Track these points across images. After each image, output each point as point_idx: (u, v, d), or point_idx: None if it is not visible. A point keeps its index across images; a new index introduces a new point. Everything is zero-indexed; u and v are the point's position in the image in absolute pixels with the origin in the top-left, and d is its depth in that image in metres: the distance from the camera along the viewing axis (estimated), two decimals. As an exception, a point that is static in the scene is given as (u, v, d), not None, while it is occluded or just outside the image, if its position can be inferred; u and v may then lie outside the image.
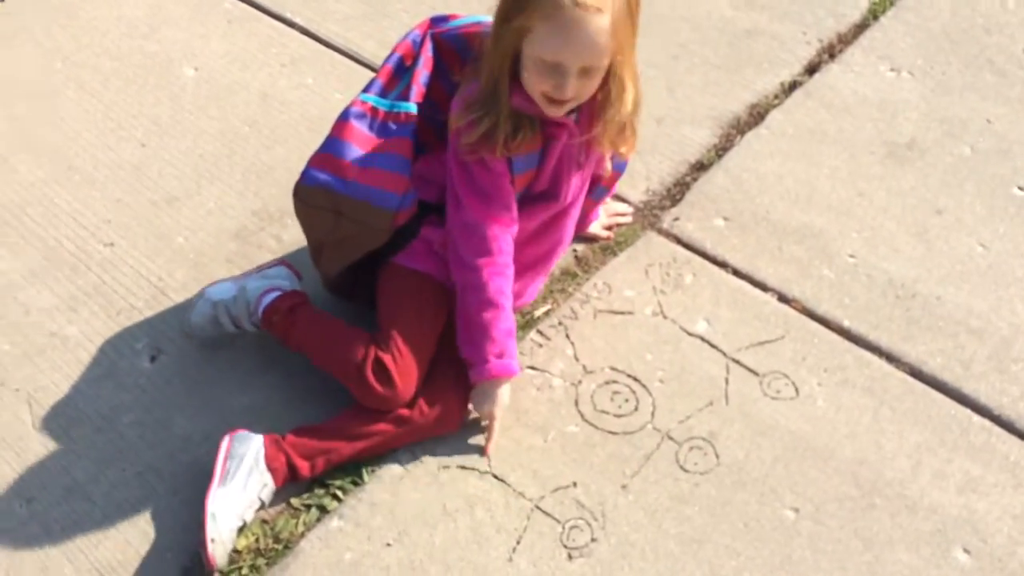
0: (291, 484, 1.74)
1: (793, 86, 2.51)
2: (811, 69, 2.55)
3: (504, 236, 1.73)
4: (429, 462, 1.77)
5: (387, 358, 1.74)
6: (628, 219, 2.19)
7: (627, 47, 1.62)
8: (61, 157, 2.35)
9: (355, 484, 1.74)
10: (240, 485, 1.67)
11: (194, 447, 1.81)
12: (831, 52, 2.60)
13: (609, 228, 2.17)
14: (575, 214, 1.91)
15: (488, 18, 1.79)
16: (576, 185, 1.83)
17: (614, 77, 1.64)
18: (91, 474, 1.78)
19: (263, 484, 1.69)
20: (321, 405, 1.83)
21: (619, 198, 2.24)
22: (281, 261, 2.00)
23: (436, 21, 1.82)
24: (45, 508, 1.73)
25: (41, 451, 1.81)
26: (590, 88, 1.63)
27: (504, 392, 1.77)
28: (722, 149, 2.35)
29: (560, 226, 1.88)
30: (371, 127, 1.74)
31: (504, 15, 1.59)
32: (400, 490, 1.73)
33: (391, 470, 1.76)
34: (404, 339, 1.76)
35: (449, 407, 1.78)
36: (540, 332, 1.97)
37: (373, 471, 1.75)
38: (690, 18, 2.71)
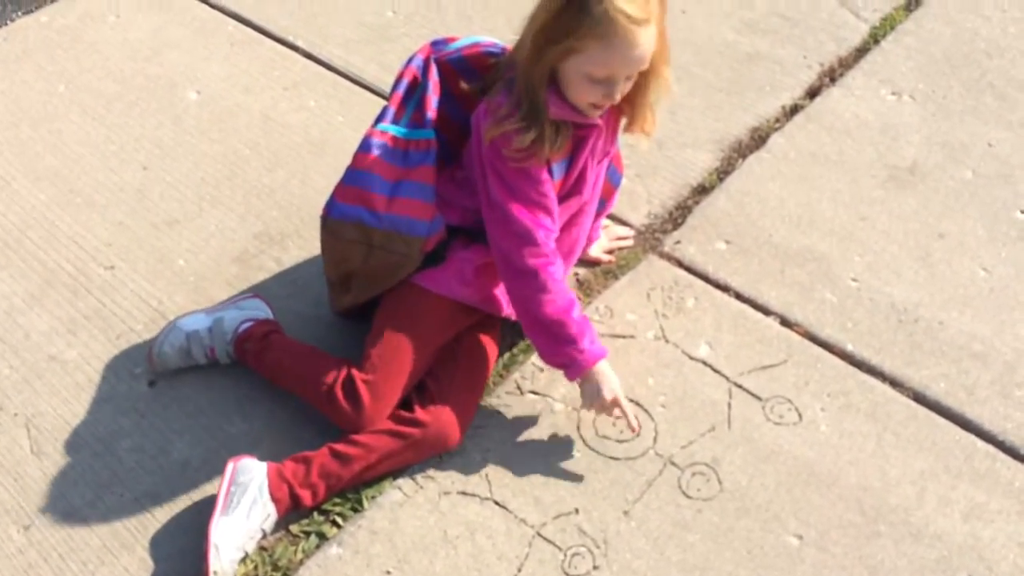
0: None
1: (794, 109, 2.51)
2: (812, 93, 2.56)
3: (552, 239, 1.75)
4: (429, 488, 1.76)
5: (359, 376, 1.75)
6: (629, 242, 2.19)
7: (664, 40, 1.64)
8: (63, 180, 2.35)
9: (355, 511, 1.73)
10: (243, 515, 1.65)
11: (192, 473, 1.79)
12: (832, 76, 2.61)
13: (611, 251, 2.16)
14: (593, 209, 1.92)
15: (485, 38, 1.80)
16: (595, 177, 1.84)
17: (652, 69, 1.66)
18: (89, 500, 1.76)
19: (266, 515, 1.68)
20: (319, 431, 1.82)
21: (621, 221, 2.24)
22: (255, 294, 2.01)
23: (436, 45, 1.83)
24: (43, 535, 1.72)
25: (39, 476, 1.80)
26: (630, 87, 1.66)
27: (608, 371, 1.76)
28: (724, 172, 2.35)
29: (579, 222, 1.88)
30: (393, 157, 1.76)
31: (548, 35, 1.57)
32: (400, 517, 1.72)
33: (391, 496, 1.75)
34: (383, 359, 1.77)
35: (449, 422, 1.77)
36: (541, 356, 1.96)
37: (373, 498, 1.74)
38: (692, 41, 2.72)
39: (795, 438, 1.83)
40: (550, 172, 1.71)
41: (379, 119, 1.79)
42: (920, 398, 1.89)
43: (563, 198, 1.79)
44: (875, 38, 2.71)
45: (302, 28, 2.78)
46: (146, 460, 1.82)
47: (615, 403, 1.76)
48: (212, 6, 2.86)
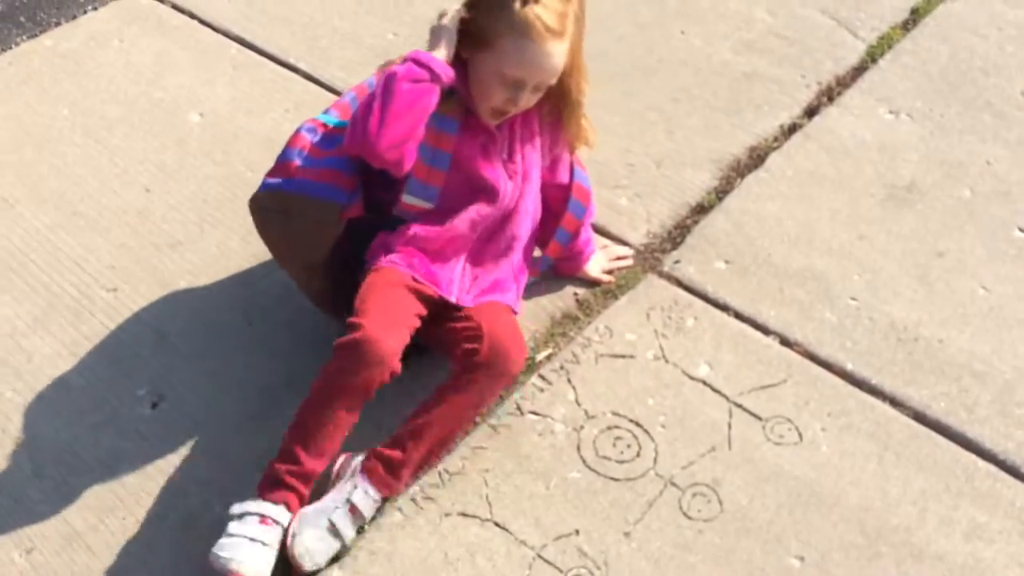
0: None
1: (792, 129, 2.52)
2: (810, 112, 2.57)
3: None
4: (430, 509, 1.76)
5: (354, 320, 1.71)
6: (629, 262, 2.20)
7: (578, 54, 1.74)
8: (66, 203, 2.37)
9: (355, 532, 1.73)
10: (314, 506, 1.69)
11: (194, 495, 1.80)
12: (830, 95, 2.62)
13: (609, 271, 2.17)
14: (522, 209, 1.91)
15: None
16: (497, 175, 1.84)
17: (570, 82, 1.76)
18: (91, 523, 1.77)
19: (352, 487, 1.70)
20: (322, 452, 1.83)
21: (619, 241, 2.25)
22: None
23: None
24: (45, 558, 1.72)
25: (41, 499, 1.80)
26: (535, 100, 1.77)
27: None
28: (722, 192, 2.36)
29: (512, 222, 1.90)
30: (322, 141, 1.84)
31: (471, 13, 1.68)
32: (400, 538, 1.72)
33: (391, 517, 1.75)
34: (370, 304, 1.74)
35: (506, 345, 1.76)
36: (542, 376, 1.97)
37: (373, 519, 1.74)
38: (690, 62, 2.74)
39: (796, 458, 1.83)
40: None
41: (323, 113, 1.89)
42: (920, 417, 1.89)
43: (464, 173, 1.81)
44: (872, 57, 2.73)
45: (304, 51, 2.81)
46: (148, 483, 1.82)
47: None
48: (215, 30, 2.89)
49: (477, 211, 1.84)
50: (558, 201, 2.01)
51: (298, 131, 1.85)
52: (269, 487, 1.69)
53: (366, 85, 1.91)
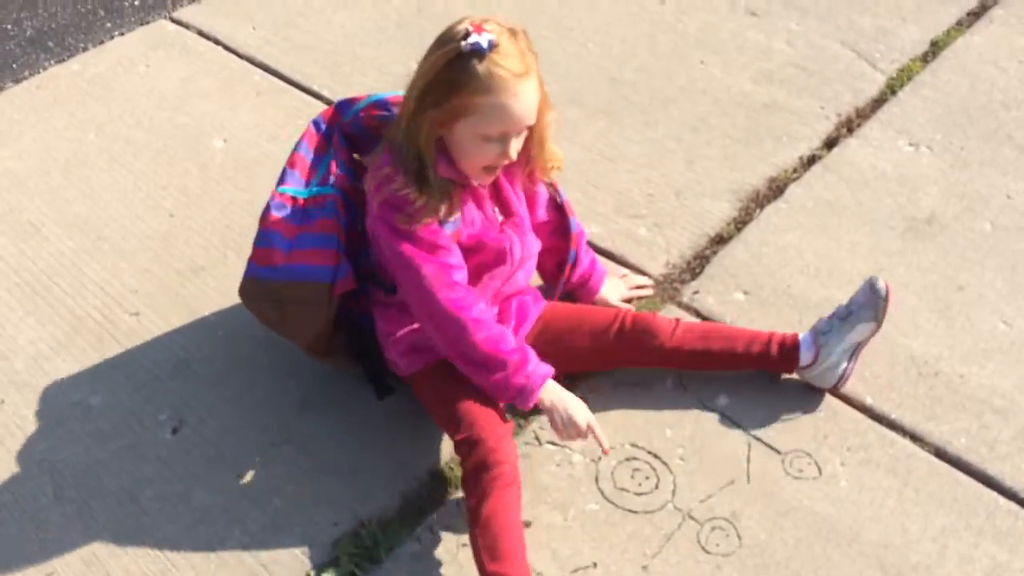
0: (308, 559, 1.74)
1: (812, 160, 2.53)
2: (829, 143, 2.58)
3: (461, 276, 1.73)
4: (448, 540, 1.76)
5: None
6: (648, 292, 2.20)
7: (542, 85, 1.68)
8: (91, 227, 2.40)
9: (373, 562, 1.73)
10: None
11: (213, 521, 1.81)
12: (849, 126, 2.63)
13: (629, 300, 2.17)
14: (530, 253, 1.90)
15: (388, 94, 1.84)
16: (516, 236, 1.84)
17: (540, 116, 1.69)
18: (111, 548, 1.78)
19: None
20: (342, 479, 1.84)
21: (639, 270, 2.25)
22: None
23: (340, 107, 1.91)
24: (64, 582, 1.74)
25: (62, 523, 1.82)
26: (522, 142, 1.70)
27: (566, 393, 1.74)
28: (741, 222, 2.37)
29: (522, 269, 1.89)
30: (292, 216, 1.83)
31: (431, 98, 1.60)
32: (418, 569, 1.72)
33: (409, 548, 1.75)
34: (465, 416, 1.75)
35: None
36: (560, 407, 1.97)
37: (390, 549, 1.74)
38: (710, 92, 2.75)
39: (815, 493, 1.82)
40: (441, 225, 1.72)
41: (281, 182, 1.87)
42: (941, 453, 1.88)
43: (470, 250, 1.79)
44: (892, 89, 2.73)
45: (327, 77, 2.84)
46: (167, 508, 1.83)
47: (591, 428, 1.73)
48: (239, 56, 2.93)
49: (491, 276, 1.83)
50: (546, 232, 1.99)
51: (268, 209, 1.85)
52: None
53: (313, 130, 1.91)
